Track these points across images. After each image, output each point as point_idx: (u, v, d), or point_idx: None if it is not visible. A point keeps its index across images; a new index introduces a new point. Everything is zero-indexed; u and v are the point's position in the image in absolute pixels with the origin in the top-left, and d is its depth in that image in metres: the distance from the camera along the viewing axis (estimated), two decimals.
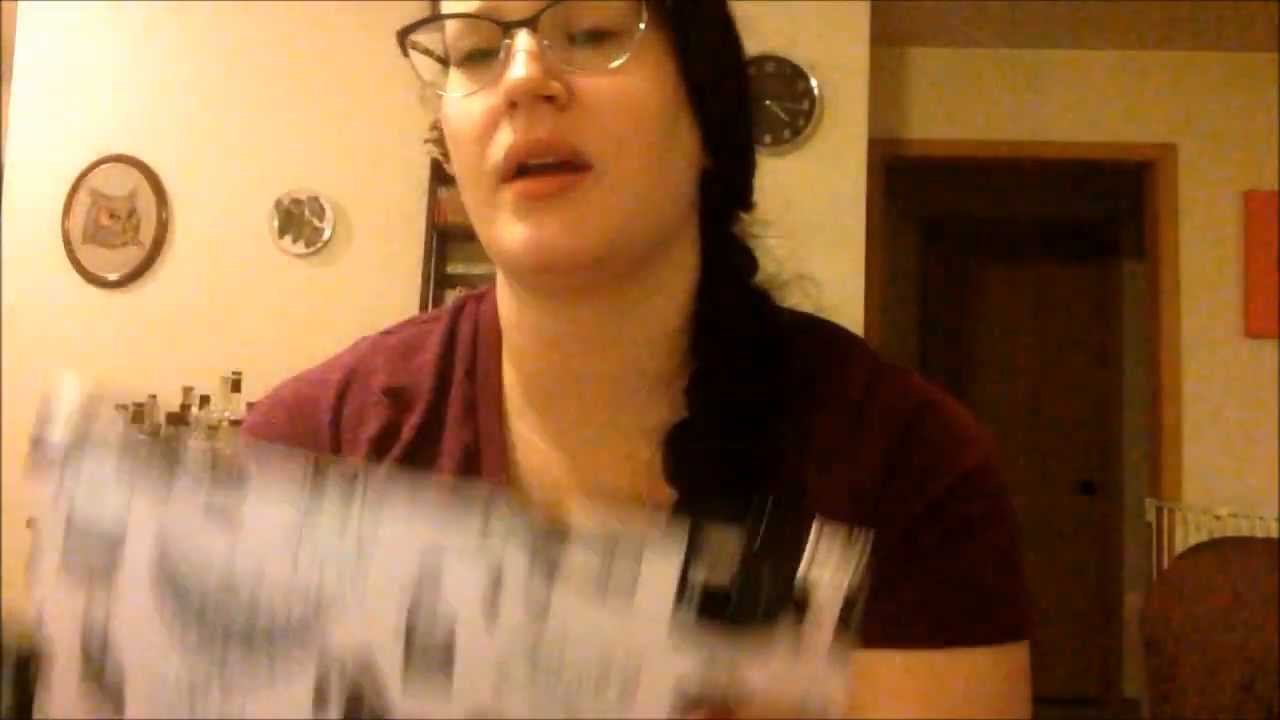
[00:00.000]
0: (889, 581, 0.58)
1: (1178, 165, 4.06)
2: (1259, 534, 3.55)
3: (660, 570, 0.27)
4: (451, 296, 3.38)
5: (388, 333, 0.72)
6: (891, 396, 0.63)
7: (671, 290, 0.64)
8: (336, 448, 0.66)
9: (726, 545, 0.28)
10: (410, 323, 0.72)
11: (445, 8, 0.61)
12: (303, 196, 3.49)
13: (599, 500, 0.63)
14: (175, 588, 0.29)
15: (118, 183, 3.50)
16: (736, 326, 0.63)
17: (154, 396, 3.24)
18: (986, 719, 0.58)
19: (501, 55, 0.57)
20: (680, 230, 0.64)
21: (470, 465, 0.65)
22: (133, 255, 3.49)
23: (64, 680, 0.31)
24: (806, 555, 0.29)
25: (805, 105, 3.44)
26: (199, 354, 3.41)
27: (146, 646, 0.30)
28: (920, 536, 0.59)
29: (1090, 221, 5.14)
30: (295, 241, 3.48)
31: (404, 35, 0.61)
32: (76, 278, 3.50)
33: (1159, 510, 3.89)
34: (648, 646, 0.27)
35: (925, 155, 4.17)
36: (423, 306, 3.37)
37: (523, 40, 0.56)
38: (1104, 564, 4.96)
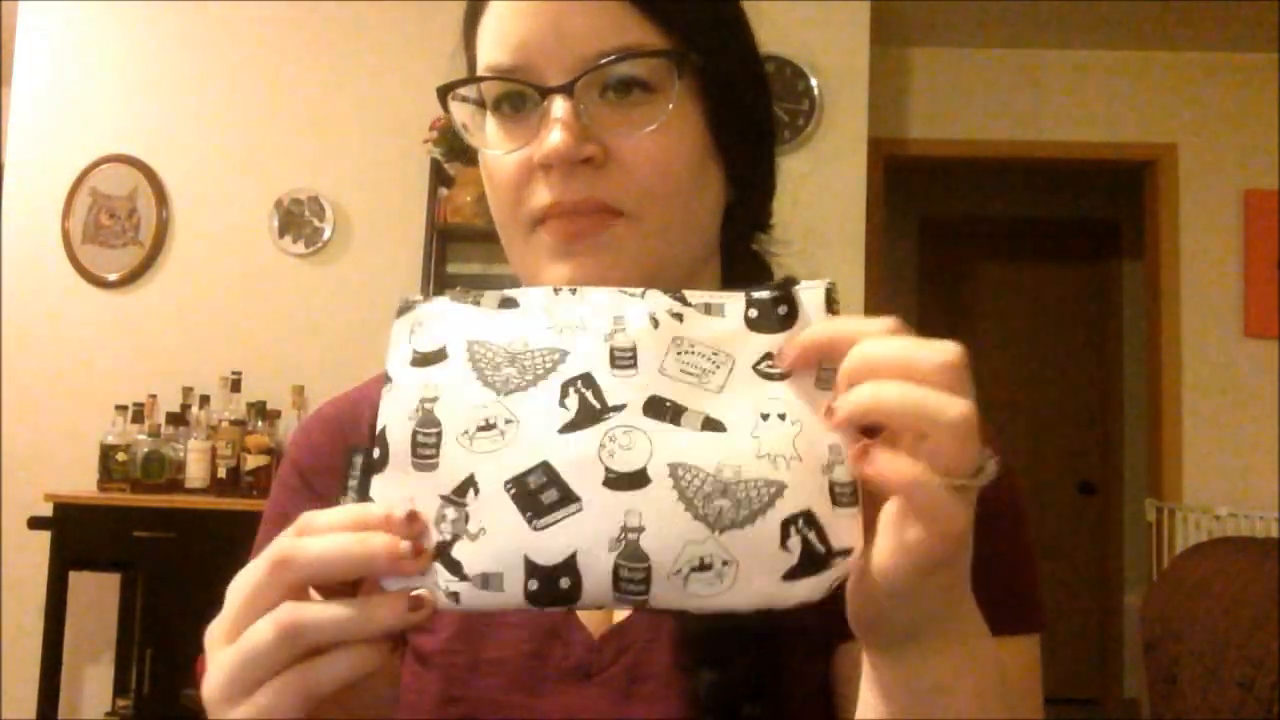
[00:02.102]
0: None
1: (1178, 165, 4.06)
2: (1259, 534, 3.55)
3: (733, 303, 0.50)
4: None
5: None
6: None
7: None
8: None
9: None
10: None
11: (481, 52, 0.62)
12: (303, 196, 3.49)
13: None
14: (476, 357, 0.49)
15: (118, 183, 3.51)
16: None
17: (154, 396, 3.25)
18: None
19: (538, 114, 0.59)
20: (706, 258, 0.68)
21: None
22: (133, 255, 3.49)
23: (398, 464, 0.48)
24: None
25: (805, 105, 3.44)
26: (199, 354, 3.41)
27: (459, 387, 0.49)
28: None
29: (1090, 221, 5.15)
30: (295, 241, 3.48)
31: (444, 93, 0.63)
32: (76, 278, 3.50)
33: (1159, 510, 3.89)
34: (736, 335, 0.49)
35: (925, 155, 4.17)
36: None
37: (558, 108, 0.58)
38: (1104, 564, 4.96)
